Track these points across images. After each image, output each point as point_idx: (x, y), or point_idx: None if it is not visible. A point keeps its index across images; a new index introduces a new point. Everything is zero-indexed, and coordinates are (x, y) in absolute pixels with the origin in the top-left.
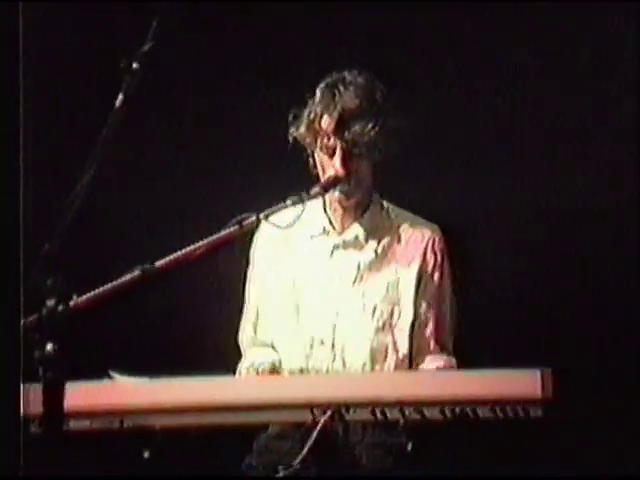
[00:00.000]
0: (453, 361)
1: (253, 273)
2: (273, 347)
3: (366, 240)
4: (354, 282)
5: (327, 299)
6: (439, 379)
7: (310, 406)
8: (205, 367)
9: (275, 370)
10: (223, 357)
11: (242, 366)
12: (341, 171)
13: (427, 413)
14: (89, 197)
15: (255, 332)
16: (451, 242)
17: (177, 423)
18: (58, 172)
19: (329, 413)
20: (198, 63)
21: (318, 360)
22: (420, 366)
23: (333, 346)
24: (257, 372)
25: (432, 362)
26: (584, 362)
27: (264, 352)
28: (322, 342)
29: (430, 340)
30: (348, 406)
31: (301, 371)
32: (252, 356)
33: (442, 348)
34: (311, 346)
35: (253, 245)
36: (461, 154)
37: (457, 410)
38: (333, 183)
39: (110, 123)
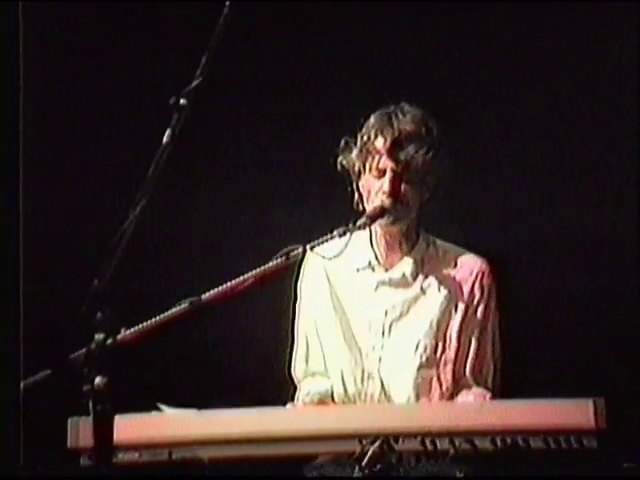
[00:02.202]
0: (487, 394)
1: (301, 306)
2: (326, 375)
3: (413, 277)
4: (399, 317)
5: (373, 333)
6: (489, 409)
7: (359, 436)
8: (253, 398)
9: (332, 397)
10: (271, 388)
11: (299, 395)
12: (387, 200)
13: (478, 443)
14: (136, 232)
15: (307, 363)
16: (500, 274)
17: (225, 454)
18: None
19: (378, 443)
20: (245, 97)
21: (369, 394)
22: (455, 399)
23: (381, 380)
24: (314, 401)
25: (464, 395)
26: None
27: (319, 381)
28: (370, 376)
29: (468, 373)
30: (397, 436)
31: (353, 402)
32: (308, 386)
33: (478, 382)
34: (362, 380)
35: (300, 278)
36: (511, 186)
37: (508, 440)
38: (380, 214)
39: (158, 159)
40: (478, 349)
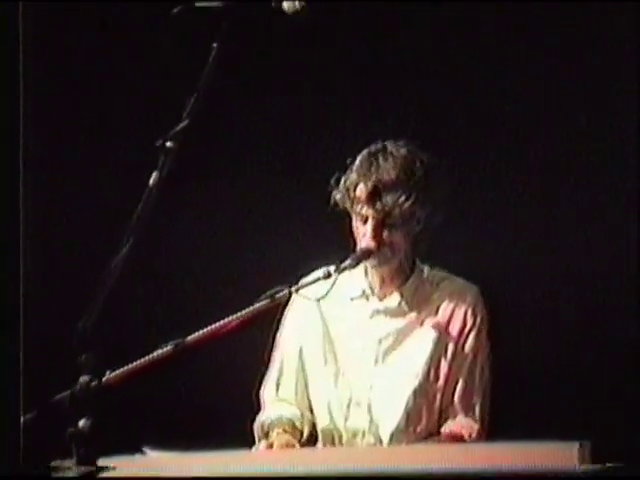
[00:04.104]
0: (474, 426)
1: (284, 333)
2: (293, 403)
3: (408, 307)
4: (392, 346)
5: (365, 361)
6: (476, 451)
7: (344, 479)
8: (239, 441)
9: (293, 428)
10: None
11: (260, 418)
12: (372, 243)
13: None
14: (122, 274)
15: (277, 390)
16: (492, 305)
17: None
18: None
19: None
20: (234, 133)
21: (355, 421)
22: (442, 428)
23: (369, 408)
24: (270, 427)
25: (451, 425)
26: (625, 435)
27: (284, 407)
28: (358, 404)
29: (455, 403)
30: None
31: (338, 432)
32: (270, 410)
33: (466, 412)
34: (348, 407)
35: (288, 305)
36: (503, 216)
37: None
38: (365, 256)
39: (145, 201)
40: (467, 377)
